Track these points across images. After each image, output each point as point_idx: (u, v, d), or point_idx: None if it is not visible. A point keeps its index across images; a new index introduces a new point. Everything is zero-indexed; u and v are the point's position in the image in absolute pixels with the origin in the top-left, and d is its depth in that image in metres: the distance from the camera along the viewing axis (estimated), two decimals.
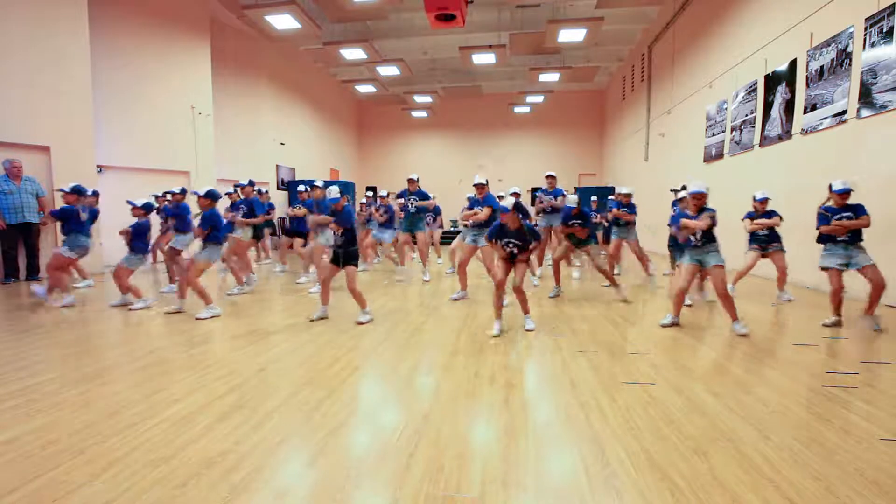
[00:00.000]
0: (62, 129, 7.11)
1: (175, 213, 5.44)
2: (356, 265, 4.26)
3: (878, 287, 3.76)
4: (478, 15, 11.01)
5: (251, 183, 6.52)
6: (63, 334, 3.88)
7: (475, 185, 5.42)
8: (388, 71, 12.69)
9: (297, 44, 12.89)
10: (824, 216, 3.97)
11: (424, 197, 6.70)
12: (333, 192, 4.35)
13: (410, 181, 6.71)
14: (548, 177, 7.07)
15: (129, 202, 5.04)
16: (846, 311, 4.10)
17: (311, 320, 4.29)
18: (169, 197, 6.34)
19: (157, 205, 6.22)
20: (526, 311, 4.05)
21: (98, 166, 7.90)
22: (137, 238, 4.93)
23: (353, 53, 11.37)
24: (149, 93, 8.90)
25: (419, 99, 16.36)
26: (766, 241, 5.07)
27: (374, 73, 13.25)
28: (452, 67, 15.02)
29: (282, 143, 13.43)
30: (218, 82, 10.61)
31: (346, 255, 4.22)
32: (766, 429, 2.11)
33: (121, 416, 2.25)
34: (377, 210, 7.33)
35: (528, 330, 3.92)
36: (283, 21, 9.24)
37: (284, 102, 13.64)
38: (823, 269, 3.99)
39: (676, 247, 5.42)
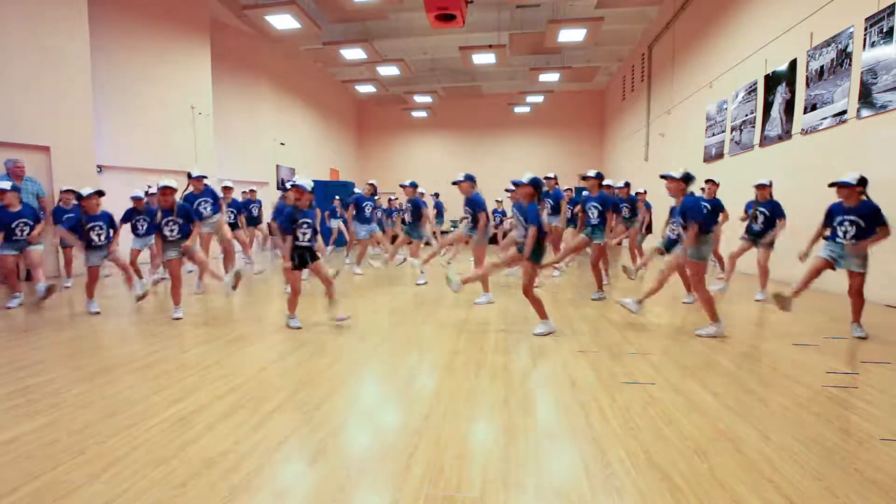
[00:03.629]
0: (62, 129, 7.11)
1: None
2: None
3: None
4: (478, 15, 11.02)
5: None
6: (63, 334, 3.88)
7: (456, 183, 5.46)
8: (388, 71, 12.70)
9: (297, 44, 12.90)
10: None
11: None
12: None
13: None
14: (547, 178, 7.00)
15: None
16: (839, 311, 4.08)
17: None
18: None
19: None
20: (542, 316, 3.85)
21: (98, 166, 7.90)
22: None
23: (353, 53, 11.39)
24: (149, 93, 8.90)
25: (419, 99, 16.36)
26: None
27: (374, 73, 13.26)
28: (452, 67, 15.03)
29: (282, 143, 13.43)
30: (218, 82, 10.61)
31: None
32: (766, 429, 2.11)
33: (121, 416, 2.25)
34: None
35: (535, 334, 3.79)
36: (283, 21, 9.26)
37: (284, 102, 13.64)
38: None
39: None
